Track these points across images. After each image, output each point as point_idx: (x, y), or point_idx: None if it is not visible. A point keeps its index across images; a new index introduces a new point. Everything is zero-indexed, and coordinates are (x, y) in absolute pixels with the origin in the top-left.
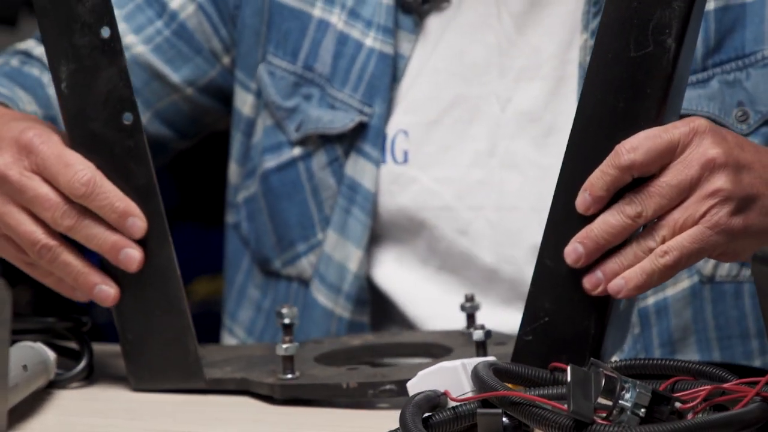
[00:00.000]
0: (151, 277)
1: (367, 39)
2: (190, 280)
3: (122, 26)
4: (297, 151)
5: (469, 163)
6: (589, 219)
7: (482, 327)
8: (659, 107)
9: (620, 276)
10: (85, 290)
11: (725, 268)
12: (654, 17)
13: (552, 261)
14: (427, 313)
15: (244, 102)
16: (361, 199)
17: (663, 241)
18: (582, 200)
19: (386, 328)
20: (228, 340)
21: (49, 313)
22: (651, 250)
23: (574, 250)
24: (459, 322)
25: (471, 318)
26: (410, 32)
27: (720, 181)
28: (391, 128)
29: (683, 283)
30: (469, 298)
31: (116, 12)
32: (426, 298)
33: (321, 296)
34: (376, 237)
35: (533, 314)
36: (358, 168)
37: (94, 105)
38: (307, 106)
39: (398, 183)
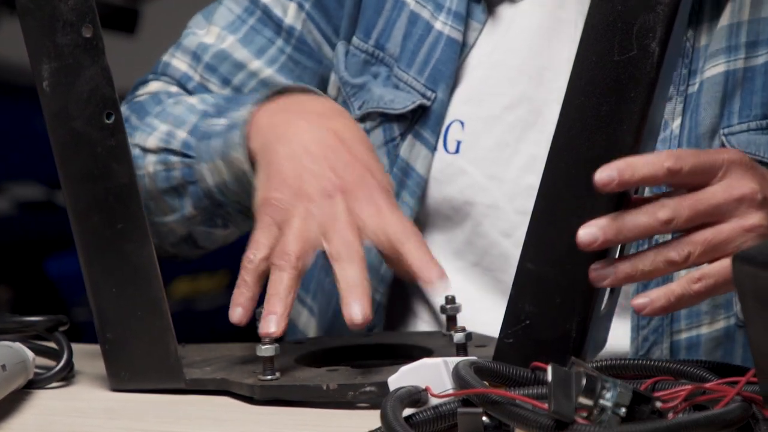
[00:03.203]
0: (131, 276)
1: (437, 23)
2: (170, 279)
3: (242, 53)
4: None
5: (523, 166)
6: (570, 224)
7: (463, 329)
8: (642, 112)
9: (645, 294)
10: None
11: None
12: (638, 21)
13: (534, 264)
14: None
15: (333, 84)
16: (413, 184)
17: (687, 257)
18: (606, 175)
19: (413, 318)
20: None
21: (28, 312)
22: (670, 262)
23: (591, 234)
24: (478, 322)
25: (452, 320)
26: (477, 21)
27: (757, 217)
28: (447, 116)
29: (719, 323)
30: (450, 300)
31: (231, 37)
32: (454, 291)
33: None
34: (416, 222)
35: (514, 317)
36: (413, 152)
37: (76, 103)
38: (373, 84)
39: (446, 172)
